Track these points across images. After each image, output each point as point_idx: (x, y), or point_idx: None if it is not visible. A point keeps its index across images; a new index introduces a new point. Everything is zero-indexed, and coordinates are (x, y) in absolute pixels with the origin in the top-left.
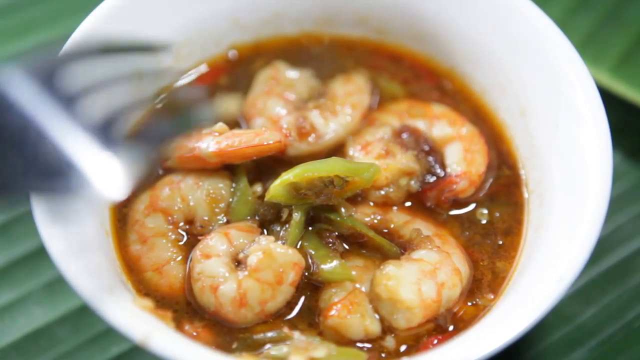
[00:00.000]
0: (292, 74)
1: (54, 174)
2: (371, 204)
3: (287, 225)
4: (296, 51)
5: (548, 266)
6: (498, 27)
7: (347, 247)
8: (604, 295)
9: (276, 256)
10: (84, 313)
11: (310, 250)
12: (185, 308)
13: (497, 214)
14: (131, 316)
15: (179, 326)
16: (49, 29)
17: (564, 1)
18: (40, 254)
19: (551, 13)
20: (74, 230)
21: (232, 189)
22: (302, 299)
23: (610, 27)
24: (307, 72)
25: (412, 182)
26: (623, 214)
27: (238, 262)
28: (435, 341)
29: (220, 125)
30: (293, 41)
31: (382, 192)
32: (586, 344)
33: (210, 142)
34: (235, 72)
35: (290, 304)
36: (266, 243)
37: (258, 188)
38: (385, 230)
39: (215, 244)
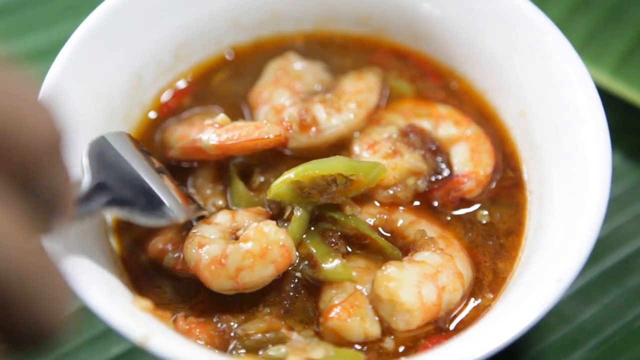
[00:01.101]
0: (303, 65)
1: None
2: (377, 203)
3: (287, 223)
4: (305, 46)
5: (547, 266)
6: (498, 27)
7: (349, 247)
8: (604, 295)
9: (267, 233)
10: (84, 313)
11: (312, 249)
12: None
13: (499, 215)
14: (131, 317)
15: (174, 322)
16: (49, 29)
17: (564, 1)
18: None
19: (551, 13)
20: (73, 230)
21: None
22: (302, 298)
23: (610, 28)
24: (318, 65)
25: (420, 182)
26: (623, 214)
27: (236, 238)
28: (435, 342)
29: (222, 117)
30: (295, 38)
31: (390, 192)
32: (586, 344)
33: (211, 135)
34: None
35: (289, 305)
36: (264, 222)
37: (261, 179)
38: (390, 231)
39: (219, 215)
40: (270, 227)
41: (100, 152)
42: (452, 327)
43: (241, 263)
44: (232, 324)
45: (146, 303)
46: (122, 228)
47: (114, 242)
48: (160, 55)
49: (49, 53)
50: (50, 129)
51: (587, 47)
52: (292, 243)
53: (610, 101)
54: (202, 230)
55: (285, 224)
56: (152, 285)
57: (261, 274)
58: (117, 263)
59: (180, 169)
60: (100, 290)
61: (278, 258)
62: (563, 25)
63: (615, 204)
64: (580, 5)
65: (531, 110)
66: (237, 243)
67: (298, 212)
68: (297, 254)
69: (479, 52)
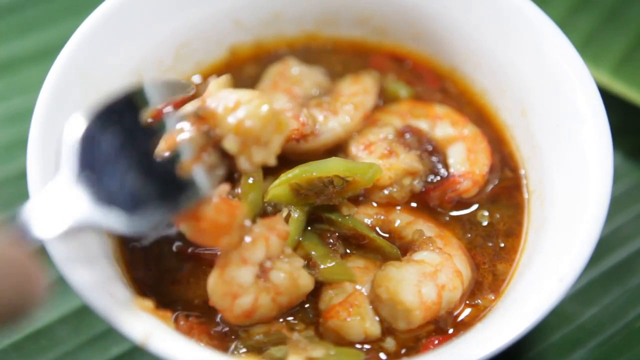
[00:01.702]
0: (301, 70)
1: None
2: (374, 204)
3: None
4: (302, 51)
5: (549, 267)
6: (498, 27)
7: (348, 248)
8: (605, 295)
9: (299, 286)
10: (85, 313)
11: (311, 250)
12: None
13: (498, 216)
14: (131, 316)
15: (175, 321)
16: (49, 29)
17: (565, 1)
18: (40, 255)
19: (552, 13)
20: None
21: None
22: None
23: (611, 27)
24: (316, 70)
25: (416, 182)
26: (624, 214)
27: (264, 269)
28: (436, 342)
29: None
30: (295, 42)
31: (386, 192)
32: (587, 344)
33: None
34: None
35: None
36: (295, 267)
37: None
38: (387, 231)
39: (258, 247)
40: (304, 276)
41: (90, 140)
42: (452, 327)
43: (268, 314)
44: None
45: (147, 302)
46: None
47: (114, 241)
48: (160, 54)
49: (50, 52)
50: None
51: (587, 47)
52: (313, 285)
53: (611, 101)
54: (238, 277)
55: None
56: (153, 285)
57: (280, 313)
58: (117, 262)
59: None
60: (101, 289)
61: (300, 300)
62: (563, 24)
63: (615, 204)
64: (580, 4)
65: (532, 110)
66: (268, 285)
67: (295, 214)
68: (302, 253)
69: (479, 53)
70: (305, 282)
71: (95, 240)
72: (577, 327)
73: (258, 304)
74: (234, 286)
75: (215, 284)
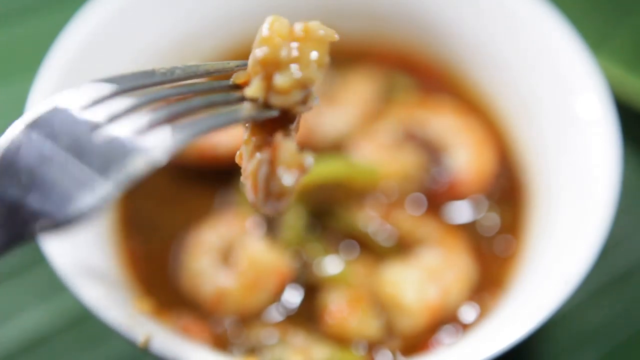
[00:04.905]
0: None
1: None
2: (375, 204)
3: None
4: None
5: (554, 268)
6: (504, 25)
7: (348, 248)
8: (611, 297)
9: (259, 264)
10: (84, 316)
11: (311, 251)
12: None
13: (503, 217)
14: (132, 317)
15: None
16: (43, 20)
17: None
18: (40, 256)
19: (565, 7)
20: (73, 232)
21: None
22: (302, 299)
23: (629, 22)
24: None
25: (418, 182)
26: (631, 216)
27: (226, 255)
28: (438, 343)
29: None
30: None
31: (387, 192)
32: (592, 347)
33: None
34: None
35: (289, 305)
36: (254, 248)
37: None
38: (389, 231)
39: (206, 238)
40: (264, 253)
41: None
42: (455, 328)
43: (238, 300)
44: (232, 324)
45: (148, 303)
46: (127, 229)
47: (115, 243)
48: (160, 54)
49: (47, 42)
50: None
51: (603, 43)
52: (286, 264)
53: (623, 101)
54: (194, 266)
55: (284, 226)
56: (154, 286)
57: (259, 299)
58: (118, 263)
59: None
60: (101, 291)
61: (274, 284)
62: (579, 20)
63: (624, 206)
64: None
65: (538, 110)
66: (232, 272)
67: (294, 215)
68: (302, 253)
69: (485, 52)
70: (268, 258)
71: (97, 241)
72: (582, 329)
73: (222, 289)
74: (191, 272)
75: (183, 275)
